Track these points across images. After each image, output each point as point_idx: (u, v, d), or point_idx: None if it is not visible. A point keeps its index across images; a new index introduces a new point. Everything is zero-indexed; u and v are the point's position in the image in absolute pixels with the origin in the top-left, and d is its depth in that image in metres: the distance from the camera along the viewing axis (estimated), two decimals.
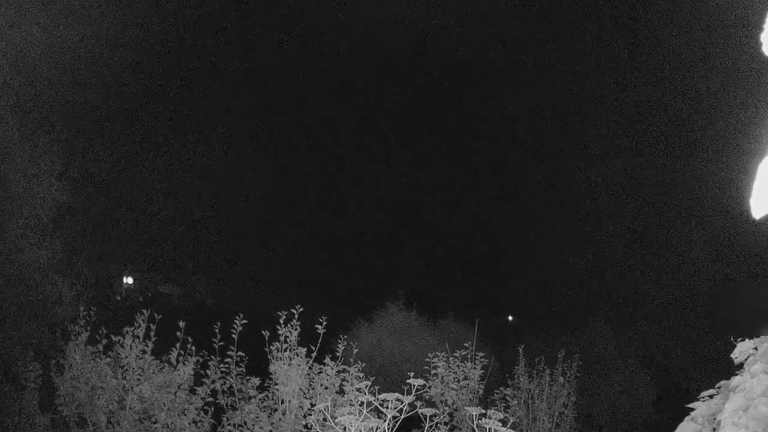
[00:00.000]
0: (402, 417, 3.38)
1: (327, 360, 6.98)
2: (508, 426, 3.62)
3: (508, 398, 8.65)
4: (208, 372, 6.94)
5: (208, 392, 6.93)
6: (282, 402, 6.87)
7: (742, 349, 2.86)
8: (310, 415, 6.63)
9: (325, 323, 7.09)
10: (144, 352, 6.96)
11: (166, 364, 6.99)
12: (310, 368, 6.96)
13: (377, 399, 3.37)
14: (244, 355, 6.96)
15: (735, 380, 2.75)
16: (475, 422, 3.39)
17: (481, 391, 8.09)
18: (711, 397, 2.97)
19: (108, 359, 7.01)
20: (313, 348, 7.01)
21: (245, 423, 6.82)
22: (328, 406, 4.00)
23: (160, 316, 7.19)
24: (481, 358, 8.09)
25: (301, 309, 6.94)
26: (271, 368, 6.92)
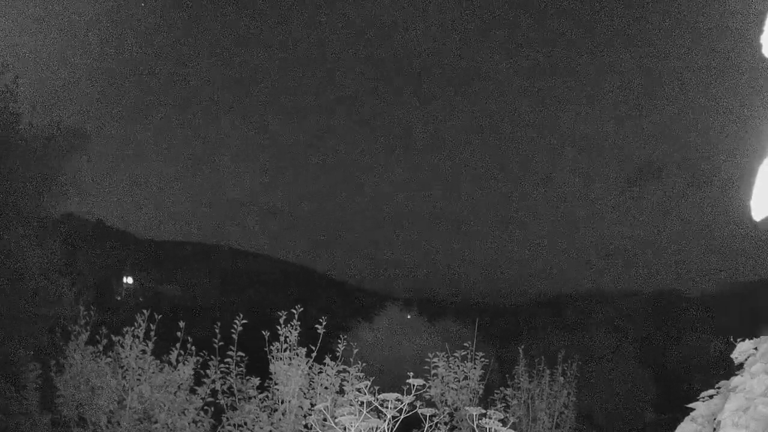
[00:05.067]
0: (402, 417, 3.38)
1: (327, 360, 6.98)
2: (508, 426, 3.61)
3: (508, 398, 8.65)
4: (208, 372, 6.94)
5: (208, 392, 6.93)
6: (282, 402, 6.87)
7: (742, 350, 2.86)
8: (310, 415, 6.64)
9: (325, 323, 7.09)
10: (144, 352, 6.96)
11: (166, 364, 6.99)
12: (310, 368, 6.96)
13: (377, 399, 3.37)
14: (244, 355, 6.96)
15: (735, 380, 2.75)
16: (475, 422, 3.39)
17: (481, 391, 8.09)
18: (711, 397, 2.97)
19: (108, 359, 7.01)
20: (313, 348, 7.01)
21: (245, 423, 6.82)
22: (328, 406, 4.00)
23: (160, 316, 7.19)
24: (481, 358, 8.09)
25: (301, 309, 6.94)
26: (271, 368, 6.92)
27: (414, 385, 3.49)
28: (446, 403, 7.80)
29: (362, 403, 3.34)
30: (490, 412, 3.44)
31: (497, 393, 8.67)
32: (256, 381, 6.99)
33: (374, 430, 3.27)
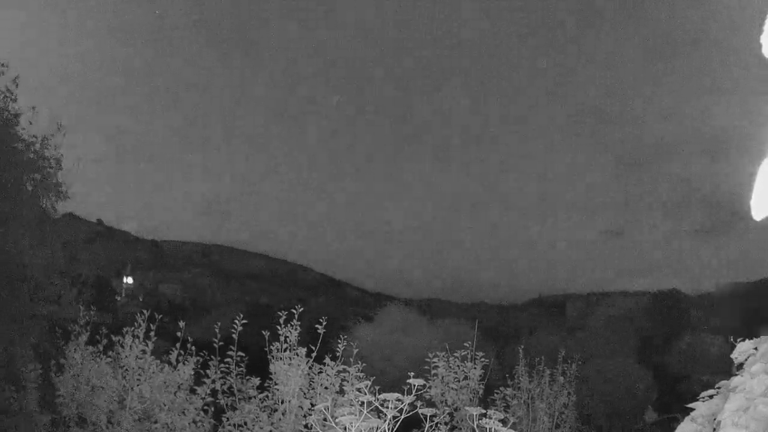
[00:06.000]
0: (402, 417, 3.37)
1: (327, 360, 6.98)
2: (508, 426, 3.61)
3: (508, 398, 8.64)
4: (208, 372, 6.94)
5: (208, 392, 6.93)
6: (282, 402, 6.87)
7: (742, 350, 2.86)
8: (310, 415, 6.63)
9: (325, 323, 7.09)
10: (144, 352, 6.97)
11: (166, 364, 6.99)
12: (310, 368, 6.96)
13: (377, 399, 3.36)
14: (244, 355, 6.96)
15: (735, 380, 2.75)
16: (475, 422, 3.39)
17: (481, 391, 8.09)
18: (711, 397, 2.97)
19: (108, 359, 7.01)
20: (313, 348, 7.01)
21: (245, 423, 6.82)
22: (328, 406, 4.00)
23: (160, 316, 7.20)
24: (481, 358, 8.09)
25: (302, 309, 6.95)
26: (271, 368, 6.92)
27: (414, 385, 3.49)
28: (446, 403, 7.79)
29: (362, 403, 3.34)
30: (490, 412, 3.44)
31: (497, 393, 8.66)
32: (256, 381, 6.99)
33: (374, 430, 3.27)
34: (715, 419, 2.76)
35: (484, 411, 3.44)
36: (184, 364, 6.98)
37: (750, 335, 2.90)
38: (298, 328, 6.89)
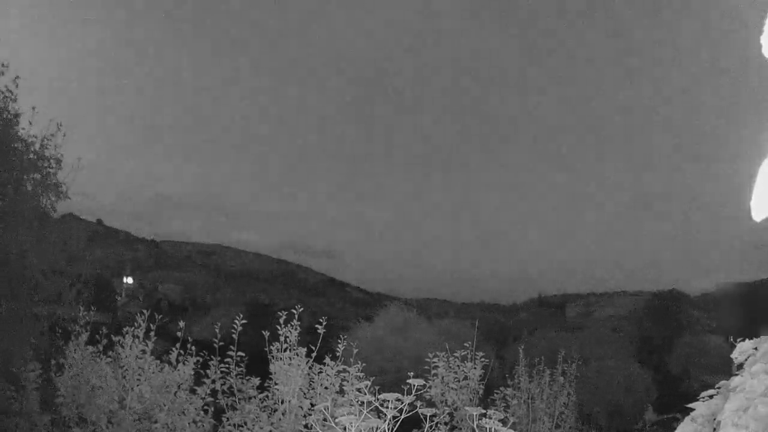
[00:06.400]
0: (402, 417, 3.37)
1: (327, 360, 6.98)
2: (508, 426, 3.61)
3: (508, 398, 8.65)
4: (208, 372, 6.94)
5: (208, 392, 6.93)
6: (282, 402, 6.86)
7: (742, 350, 2.86)
8: (310, 415, 6.63)
9: (325, 323, 7.10)
10: (144, 352, 6.97)
11: (166, 364, 6.99)
12: (310, 368, 6.96)
13: (377, 399, 3.36)
14: (244, 355, 6.96)
15: (735, 380, 2.75)
16: (475, 422, 3.39)
17: (481, 391, 8.09)
18: (711, 397, 2.97)
19: (108, 359, 7.01)
20: (313, 348, 7.02)
21: (245, 423, 6.82)
22: (328, 406, 3.99)
23: (160, 316, 7.20)
24: (481, 358, 8.09)
25: (301, 309, 6.95)
26: (271, 368, 6.92)
27: (414, 385, 3.49)
28: (446, 403, 7.79)
29: (362, 403, 3.34)
30: (490, 412, 3.44)
31: (497, 393, 8.67)
32: (256, 381, 6.99)
33: (374, 430, 3.27)
34: (715, 419, 2.76)
35: (484, 411, 3.43)
36: (184, 364, 6.97)
37: (750, 335, 2.90)
38: (298, 328, 6.89)
